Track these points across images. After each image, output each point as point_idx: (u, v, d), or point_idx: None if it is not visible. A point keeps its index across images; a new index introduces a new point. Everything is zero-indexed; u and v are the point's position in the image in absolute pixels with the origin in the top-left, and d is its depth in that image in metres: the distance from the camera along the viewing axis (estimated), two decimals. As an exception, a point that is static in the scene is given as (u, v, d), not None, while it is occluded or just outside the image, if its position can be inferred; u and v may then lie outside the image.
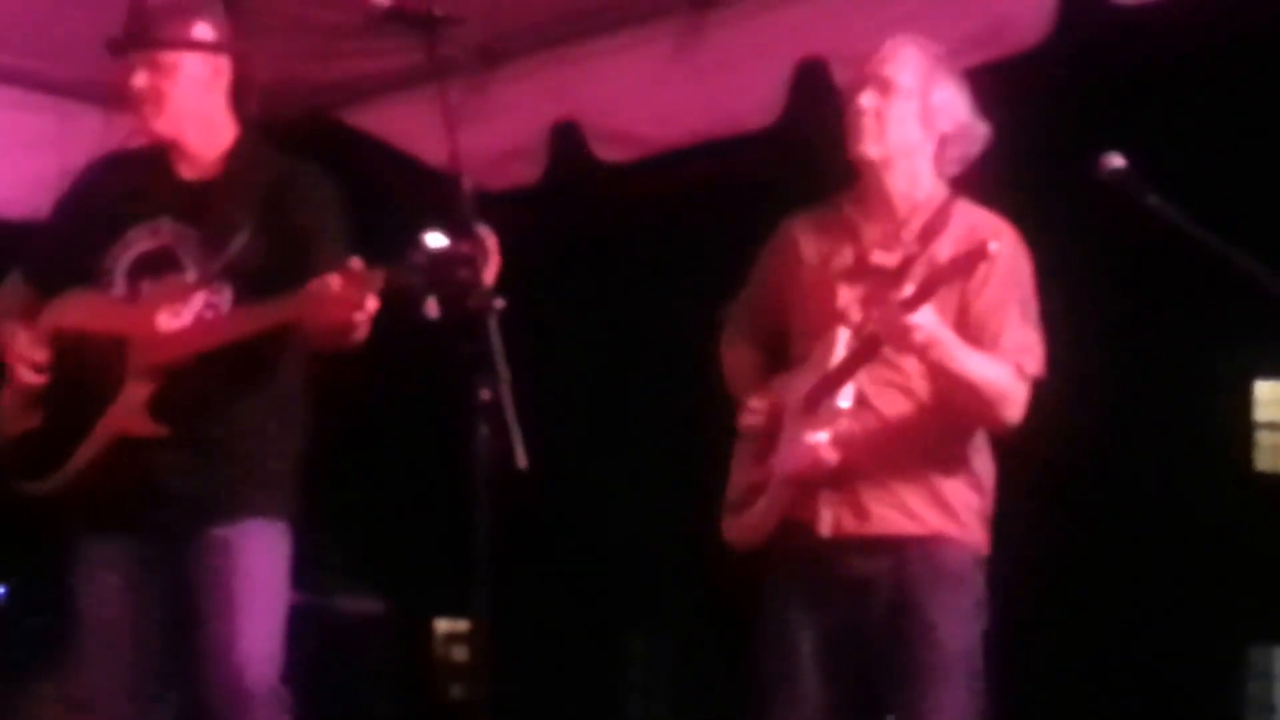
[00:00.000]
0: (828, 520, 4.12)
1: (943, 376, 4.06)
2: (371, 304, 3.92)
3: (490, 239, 3.72)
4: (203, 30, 4.27)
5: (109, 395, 4.17)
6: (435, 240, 3.75)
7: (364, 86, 6.01)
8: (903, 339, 3.99)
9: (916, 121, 4.14)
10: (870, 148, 4.16)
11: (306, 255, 4.11)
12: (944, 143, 4.15)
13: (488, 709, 3.80)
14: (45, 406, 4.26)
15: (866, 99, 4.14)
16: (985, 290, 4.07)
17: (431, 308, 3.72)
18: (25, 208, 4.69)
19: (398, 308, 3.83)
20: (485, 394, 3.61)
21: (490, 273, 3.72)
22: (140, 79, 4.26)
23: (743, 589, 4.30)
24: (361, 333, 4.01)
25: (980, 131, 4.19)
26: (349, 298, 3.90)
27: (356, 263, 3.91)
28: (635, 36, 5.50)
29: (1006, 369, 4.08)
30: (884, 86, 4.15)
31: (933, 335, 3.98)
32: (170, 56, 4.24)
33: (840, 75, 4.58)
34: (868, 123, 4.15)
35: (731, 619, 4.32)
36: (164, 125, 4.28)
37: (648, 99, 5.49)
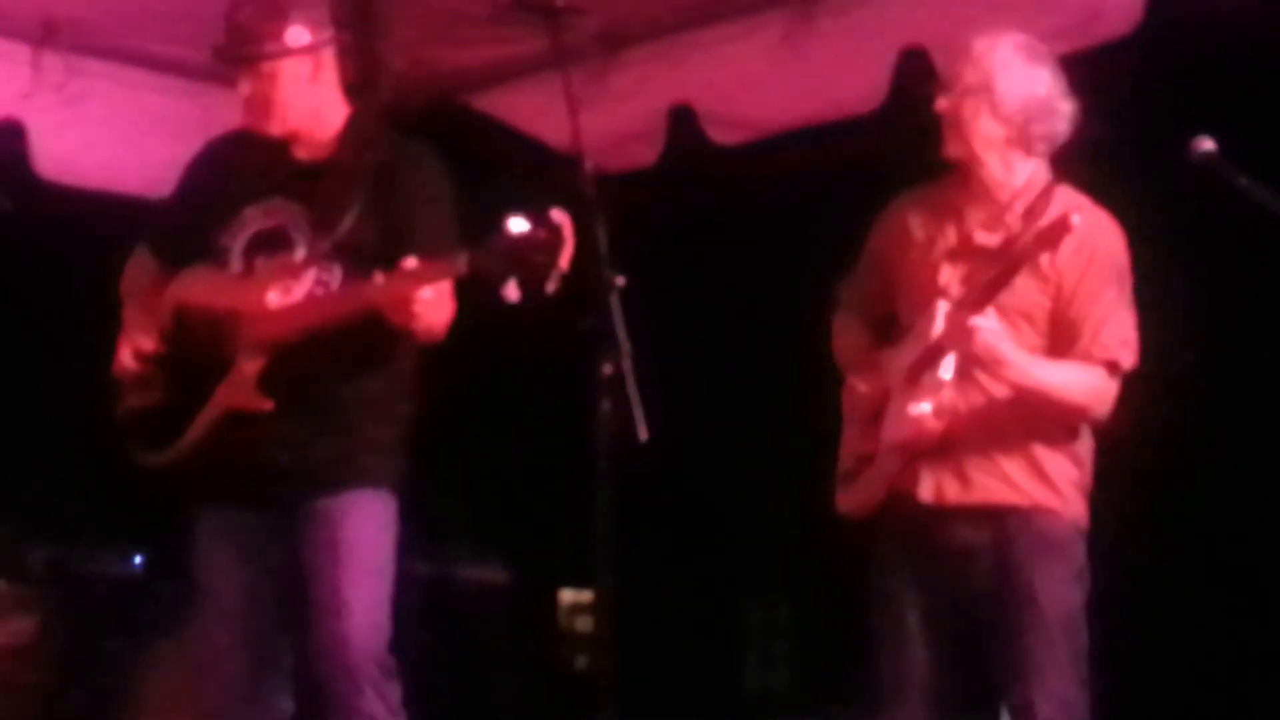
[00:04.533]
0: (929, 487, 4.19)
1: (1020, 391, 4.10)
2: (425, 295, 3.99)
3: (567, 224, 3.77)
4: (297, 34, 4.26)
5: (224, 370, 4.25)
6: (516, 225, 3.79)
7: (491, 73, 6.13)
8: (966, 342, 4.05)
9: (989, 115, 4.17)
10: (953, 148, 4.24)
11: (407, 237, 4.15)
12: (1025, 124, 4.16)
13: (612, 679, 3.83)
14: (167, 380, 4.35)
15: (941, 102, 4.23)
16: (1082, 285, 4.11)
17: (511, 290, 3.79)
18: (168, 190, 4.85)
19: (482, 290, 3.87)
20: (608, 368, 3.70)
21: (566, 257, 3.76)
22: (245, 88, 4.30)
23: (855, 559, 4.33)
24: (424, 322, 4.06)
25: (1065, 109, 4.19)
26: (400, 291, 3.99)
27: (410, 260, 3.99)
28: (747, 25, 5.63)
29: (1094, 372, 4.11)
30: (952, 87, 4.22)
31: (997, 350, 4.03)
32: (269, 65, 4.26)
33: (940, 63, 4.65)
34: (946, 125, 4.23)
35: (847, 589, 4.44)
36: (276, 126, 4.33)
37: (759, 84, 5.60)
